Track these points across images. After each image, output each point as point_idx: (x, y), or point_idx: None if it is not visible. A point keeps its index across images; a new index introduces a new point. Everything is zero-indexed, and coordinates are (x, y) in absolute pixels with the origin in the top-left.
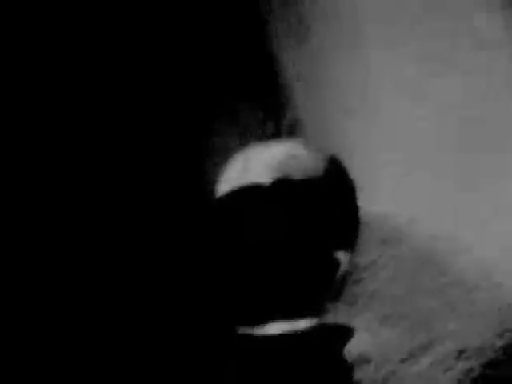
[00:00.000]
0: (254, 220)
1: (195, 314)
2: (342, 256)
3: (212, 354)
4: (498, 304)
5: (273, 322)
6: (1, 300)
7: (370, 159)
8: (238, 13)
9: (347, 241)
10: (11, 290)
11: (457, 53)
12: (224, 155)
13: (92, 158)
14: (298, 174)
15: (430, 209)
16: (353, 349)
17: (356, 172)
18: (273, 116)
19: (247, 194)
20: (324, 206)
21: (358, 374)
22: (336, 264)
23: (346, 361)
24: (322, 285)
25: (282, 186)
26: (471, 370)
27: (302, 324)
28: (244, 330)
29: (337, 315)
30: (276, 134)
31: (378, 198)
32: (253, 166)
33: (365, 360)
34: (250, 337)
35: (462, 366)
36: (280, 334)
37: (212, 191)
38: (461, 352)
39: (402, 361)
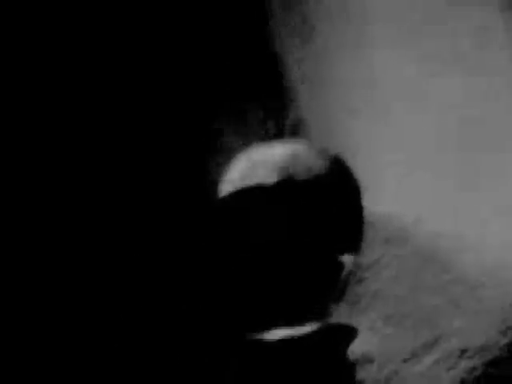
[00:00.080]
0: (258, 221)
1: (196, 315)
2: (346, 257)
3: (212, 355)
4: (502, 302)
5: (277, 326)
6: (1, 300)
7: (373, 159)
8: (242, 13)
9: (352, 242)
10: (11, 290)
11: (457, 53)
12: (227, 155)
13: (95, 157)
14: (301, 175)
15: (431, 209)
16: (356, 348)
17: (360, 172)
18: (276, 116)
19: (250, 194)
20: (328, 207)
21: (360, 374)
22: (340, 265)
23: (349, 360)
24: (326, 287)
25: (286, 187)
26: (474, 368)
27: (306, 328)
28: (249, 336)
29: (340, 315)
30: (279, 134)
31: (381, 198)
32: (256, 166)
33: (368, 360)
34: (254, 341)
35: (465, 364)
36: (284, 337)
37: (215, 191)
38: (464, 351)
39: (405, 360)
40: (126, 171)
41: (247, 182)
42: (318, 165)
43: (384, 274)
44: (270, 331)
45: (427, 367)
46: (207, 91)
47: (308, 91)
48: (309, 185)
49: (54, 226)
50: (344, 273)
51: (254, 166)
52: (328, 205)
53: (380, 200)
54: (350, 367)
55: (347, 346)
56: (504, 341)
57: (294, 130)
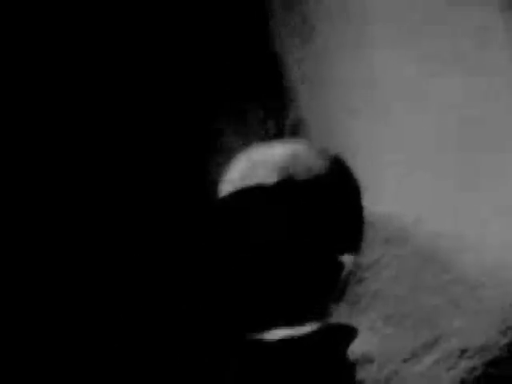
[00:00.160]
0: (258, 221)
1: (196, 315)
2: (346, 257)
3: (212, 355)
4: (502, 302)
5: (277, 326)
6: (1, 300)
7: (373, 159)
8: (243, 13)
9: (352, 242)
10: (11, 290)
11: (457, 53)
12: (227, 155)
13: (96, 157)
14: (301, 175)
15: (431, 209)
16: (356, 349)
17: (360, 172)
18: (276, 116)
19: (250, 194)
20: (328, 207)
21: (360, 374)
22: (340, 266)
23: (349, 360)
24: (326, 287)
25: (286, 187)
26: (474, 368)
27: (306, 328)
28: (249, 336)
29: (340, 315)
30: (279, 134)
31: (381, 198)
32: (256, 166)
33: (368, 360)
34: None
35: (465, 364)
36: (284, 337)
37: (215, 191)
38: (464, 351)
39: (405, 360)
40: (127, 171)
41: (247, 182)
42: (318, 165)
43: (384, 274)
44: (270, 331)
45: (427, 367)
46: (207, 91)
47: (308, 91)
48: (309, 185)
49: (55, 224)
50: (344, 273)
51: (254, 165)
52: (328, 205)
53: (380, 200)
54: (349, 367)
55: (347, 346)
56: (504, 341)
57: (294, 130)
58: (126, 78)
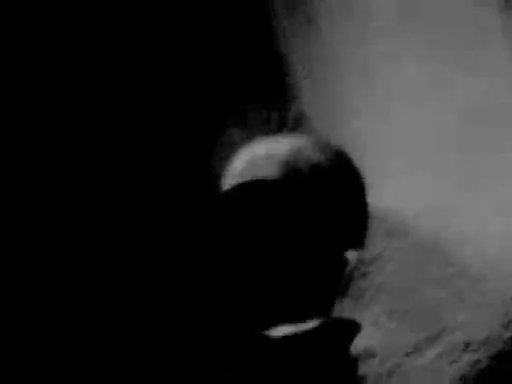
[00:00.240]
0: (261, 215)
1: (198, 312)
2: (350, 253)
3: (213, 355)
4: (504, 295)
5: (281, 323)
6: (1, 300)
7: (374, 157)
8: (247, 12)
9: (356, 237)
10: (11, 290)
11: (457, 53)
12: (230, 149)
13: (99, 154)
14: (304, 169)
15: (431, 209)
16: (358, 344)
17: (363, 169)
18: (279, 110)
19: (253, 188)
20: (332, 201)
21: (363, 368)
22: (345, 261)
23: (352, 355)
24: (330, 283)
25: (289, 181)
26: (478, 361)
27: (310, 323)
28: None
29: (343, 310)
30: (282, 129)
31: (382, 197)
32: (259, 160)
33: (370, 354)
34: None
35: (468, 358)
36: (288, 333)
37: (218, 185)
38: (467, 344)
39: (408, 354)
40: (130, 166)
41: (250, 176)
42: (321, 159)
43: (387, 267)
44: (275, 327)
45: (430, 360)
46: (212, 88)
47: (310, 89)
48: (312, 179)
49: (56, 222)
50: (348, 268)
51: (257, 160)
52: (332, 199)
53: (380, 199)
54: (352, 362)
55: (351, 341)
56: (507, 334)
57: (297, 124)
58: (132, 75)
